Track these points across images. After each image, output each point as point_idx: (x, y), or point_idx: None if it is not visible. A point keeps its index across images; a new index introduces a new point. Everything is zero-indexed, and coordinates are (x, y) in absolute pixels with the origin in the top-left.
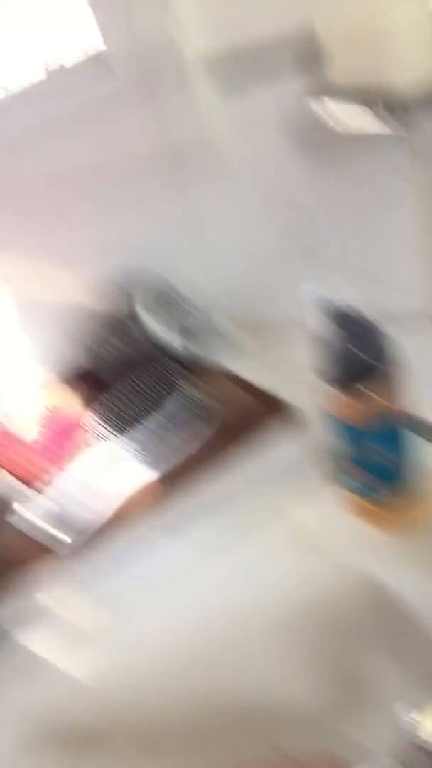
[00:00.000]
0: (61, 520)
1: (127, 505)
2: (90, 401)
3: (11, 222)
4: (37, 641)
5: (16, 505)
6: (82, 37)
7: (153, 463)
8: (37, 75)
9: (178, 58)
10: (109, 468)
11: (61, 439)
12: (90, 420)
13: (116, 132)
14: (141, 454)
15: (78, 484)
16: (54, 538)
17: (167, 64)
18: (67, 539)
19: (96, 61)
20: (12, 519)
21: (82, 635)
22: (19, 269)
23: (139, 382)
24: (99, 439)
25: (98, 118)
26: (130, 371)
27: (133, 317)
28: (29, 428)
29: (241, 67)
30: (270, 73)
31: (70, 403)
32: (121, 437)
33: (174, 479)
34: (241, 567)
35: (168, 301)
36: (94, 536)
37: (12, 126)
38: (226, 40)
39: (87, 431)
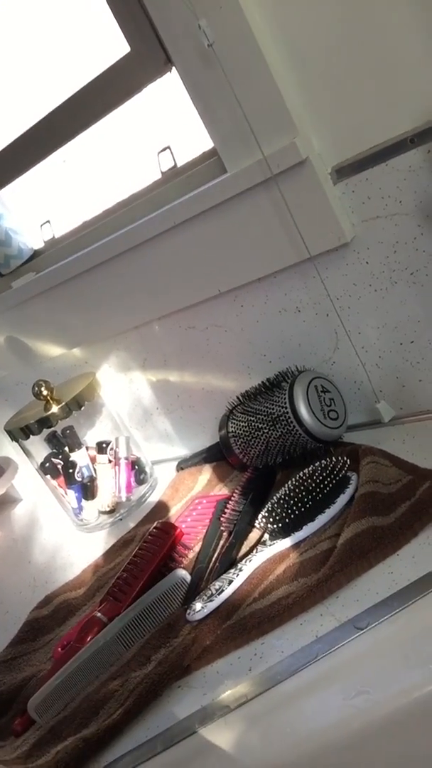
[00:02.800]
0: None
1: (298, 594)
2: (235, 483)
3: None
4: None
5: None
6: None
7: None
8: (154, 176)
9: (297, 158)
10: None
11: (204, 519)
12: (236, 501)
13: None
14: (296, 535)
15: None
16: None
17: (285, 160)
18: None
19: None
20: (188, 615)
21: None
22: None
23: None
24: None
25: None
26: (281, 457)
27: (287, 406)
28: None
29: (364, 165)
30: (392, 161)
31: (215, 484)
32: (276, 518)
33: (343, 568)
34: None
35: (319, 388)
36: (266, 626)
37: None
38: (350, 148)
39: (230, 512)
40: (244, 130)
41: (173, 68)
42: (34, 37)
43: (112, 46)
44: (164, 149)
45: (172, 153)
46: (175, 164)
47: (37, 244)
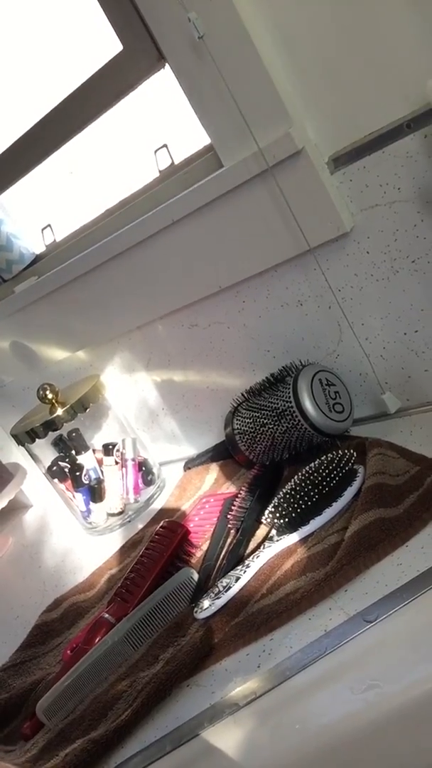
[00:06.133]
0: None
1: (306, 589)
2: (242, 480)
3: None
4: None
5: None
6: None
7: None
8: (152, 174)
9: (292, 147)
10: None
11: (212, 517)
12: (243, 498)
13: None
14: (304, 529)
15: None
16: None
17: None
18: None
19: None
20: (195, 613)
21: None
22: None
23: (303, 466)
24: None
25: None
26: (287, 453)
27: (291, 401)
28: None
29: (361, 153)
30: (389, 148)
31: (222, 483)
32: (284, 515)
33: (351, 561)
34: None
35: (323, 381)
36: (275, 622)
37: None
38: (346, 136)
39: (237, 507)
40: (239, 122)
41: (166, 64)
42: (26, 39)
43: (105, 44)
44: (161, 147)
45: (169, 151)
46: (173, 162)
47: (39, 249)
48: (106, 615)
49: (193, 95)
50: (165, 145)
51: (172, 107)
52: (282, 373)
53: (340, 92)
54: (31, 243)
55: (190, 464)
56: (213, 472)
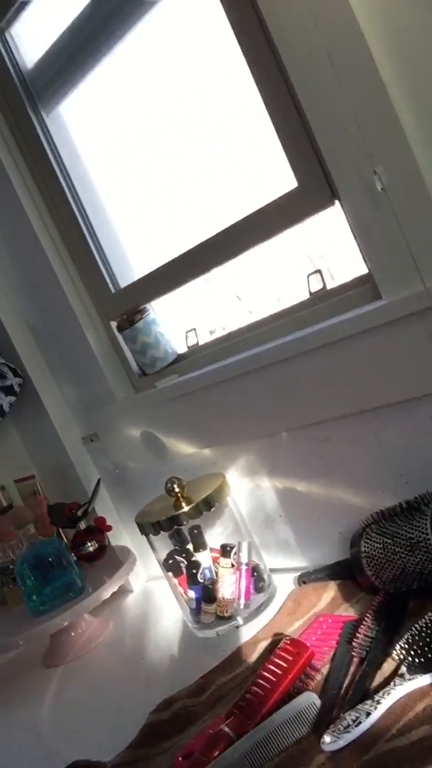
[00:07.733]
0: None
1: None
2: (363, 605)
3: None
4: None
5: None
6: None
7: None
8: (302, 296)
9: None
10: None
11: (329, 639)
12: (369, 626)
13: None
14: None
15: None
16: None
17: None
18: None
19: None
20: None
21: None
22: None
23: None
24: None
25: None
26: (416, 584)
27: (429, 533)
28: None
29: None
30: None
31: (340, 604)
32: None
33: None
34: None
35: None
36: (407, 767)
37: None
38: None
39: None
40: (407, 263)
41: (336, 202)
42: (202, 165)
43: (274, 173)
44: (314, 272)
45: (322, 276)
46: (325, 286)
47: (181, 349)
48: (226, 728)
49: (362, 234)
50: (319, 271)
51: (328, 234)
52: (418, 502)
53: None
54: (176, 343)
55: (305, 578)
56: (331, 590)
